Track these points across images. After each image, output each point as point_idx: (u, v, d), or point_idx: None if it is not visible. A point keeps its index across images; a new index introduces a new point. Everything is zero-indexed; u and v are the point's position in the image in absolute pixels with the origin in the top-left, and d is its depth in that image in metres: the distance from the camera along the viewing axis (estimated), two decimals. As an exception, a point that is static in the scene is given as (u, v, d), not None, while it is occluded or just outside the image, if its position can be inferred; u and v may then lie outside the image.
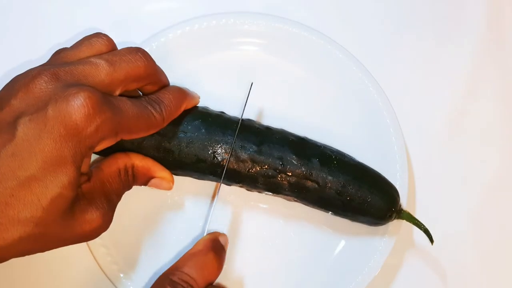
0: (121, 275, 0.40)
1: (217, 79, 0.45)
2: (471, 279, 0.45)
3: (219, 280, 0.37)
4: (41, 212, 0.27)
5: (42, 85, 0.29)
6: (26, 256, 0.42)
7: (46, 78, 0.29)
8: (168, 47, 0.45)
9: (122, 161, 0.35)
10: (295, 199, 0.40)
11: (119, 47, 0.35)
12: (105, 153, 0.36)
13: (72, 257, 0.42)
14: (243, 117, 0.40)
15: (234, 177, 0.38)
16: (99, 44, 0.33)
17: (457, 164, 0.47)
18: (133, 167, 0.36)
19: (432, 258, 0.45)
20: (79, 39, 0.34)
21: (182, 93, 0.37)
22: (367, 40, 0.50)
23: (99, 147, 0.31)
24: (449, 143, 0.48)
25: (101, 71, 0.31)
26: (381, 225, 0.41)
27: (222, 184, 0.39)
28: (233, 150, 0.37)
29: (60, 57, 0.32)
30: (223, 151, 0.37)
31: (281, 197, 0.41)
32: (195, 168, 0.38)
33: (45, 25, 0.48)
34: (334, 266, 0.42)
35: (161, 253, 0.42)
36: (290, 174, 0.38)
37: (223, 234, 0.38)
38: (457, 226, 0.46)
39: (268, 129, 0.40)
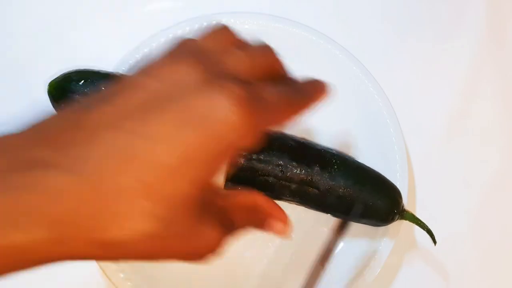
0: (121, 275, 0.40)
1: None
2: (471, 279, 0.45)
3: (217, 276, 0.37)
4: (166, 206, 0.23)
5: (187, 71, 0.25)
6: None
7: (192, 62, 0.25)
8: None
9: (251, 197, 0.31)
10: (297, 203, 0.40)
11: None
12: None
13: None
14: None
15: (235, 186, 0.38)
16: (226, 34, 0.30)
17: (457, 164, 0.47)
18: (260, 207, 0.31)
19: (432, 258, 0.45)
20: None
21: (320, 85, 0.33)
22: (367, 40, 0.50)
23: (239, 151, 0.26)
24: (449, 143, 0.48)
25: (241, 62, 0.27)
26: (384, 226, 0.41)
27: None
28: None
29: (194, 45, 0.28)
30: None
31: (283, 201, 0.41)
32: None
33: (43, 20, 0.48)
34: (334, 266, 0.42)
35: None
36: (290, 181, 0.38)
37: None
38: (457, 226, 0.46)
39: (267, 135, 0.40)
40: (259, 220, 0.31)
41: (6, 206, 0.21)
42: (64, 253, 0.23)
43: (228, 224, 0.28)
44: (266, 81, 0.28)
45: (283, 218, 0.32)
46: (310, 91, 0.31)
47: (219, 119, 0.24)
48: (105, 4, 0.50)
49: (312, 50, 0.46)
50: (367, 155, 0.44)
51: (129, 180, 0.23)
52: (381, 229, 0.42)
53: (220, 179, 0.30)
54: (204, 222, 0.26)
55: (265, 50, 0.30)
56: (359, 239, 0.42)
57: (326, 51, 0.46)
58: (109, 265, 0.40)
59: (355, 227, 0.42)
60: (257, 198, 0.31)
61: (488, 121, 0.49)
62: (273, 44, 0.47)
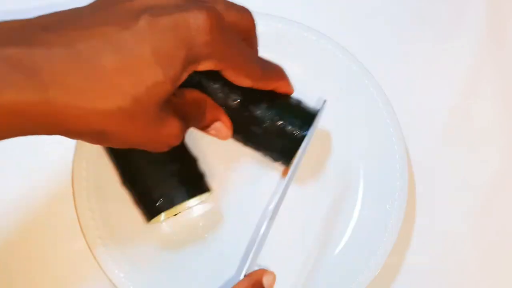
0: (121, 275, 0.40)
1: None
2: (471, 279, 0.45)
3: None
4: (144, 90, 0.28)
5: None
6: (27, 257, 0.42)
7: None
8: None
9: (197, 93, 0.37)
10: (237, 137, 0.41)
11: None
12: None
13: (72, 257, 0.42)
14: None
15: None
16: None
17: (457, 164, 0.47)
18: (206, 101, 0.37)
19: (432, 258, 0.45)
20: None
21: (284, 72, 0.38)
22: (367, 40, 0.50)
23: (203, 65, 0.31)
24: (449, 143, 0.48)
25: (218, 4, 0.32)
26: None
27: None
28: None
29: None
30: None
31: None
32: None
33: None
34: (334, 266, 0.42)
35: (162, 253, 0.42)
36: (228, 107, 0.39)
37: (269, 273, 0.33)
38: (457, 226, 0.46)
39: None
40: (206, 120, 0.38)
41: (4, 65, 0.25)
42: (52, 119, 0.27)
43: (185, 118, 0.34)
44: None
45: (228, 123, 0.39)
46: (272, 67, 0.37)
47: (193, 27, 0.29)
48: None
49: (312, 50, 0.46)
50: (367, 155, 0.44)
51: (115, 62, 0.27)
52: (381, 228, 0.42)
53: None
54: (168, 113, 0.32)
55: (242, 7, 0.35)
56: (359, 239, 0.42)
57: (326, 51, 0.46)
58: (109, 265, 0.40)
59: (355, 227, 0.43)
60: (207, 98, 0.37)
61: (488, 121, 0.49)
62: (272, 43, 0.47)
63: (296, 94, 0.46)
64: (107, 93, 0.28)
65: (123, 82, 0.28)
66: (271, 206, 0.35)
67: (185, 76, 0.31)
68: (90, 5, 0.30)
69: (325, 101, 0.41)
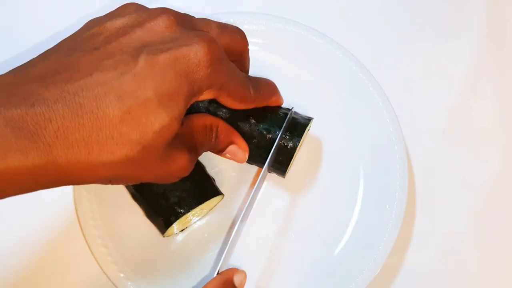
0: (121, 275, 0.40)
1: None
2: (471, 279, 0.45)
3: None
4: (151, 136, 0.28)
5: (168, 25, 0.30)
6: (28, 257, 0.42)
7: (172, 19, 0.30)
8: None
9: (209, 119, 0.36)
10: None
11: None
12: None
13: (73, 257, 0.42)
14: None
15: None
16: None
17: (457, 164, 0.47)
18: (218, 127, 0.37)
19: (432, 258, 0.45)
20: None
21: (275, 87, 0.39)
22: (367, 40, 0.50)
23: (204, 96, 0.32)
24: (449, 143, 0.48)
25: (213, 29, 0.33)
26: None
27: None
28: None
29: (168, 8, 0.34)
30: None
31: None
32: None
33: (42, 23, 0.48)
34: (334, 266, 0.42)
35: (162, 253, 0.42)
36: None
37: (240, 272, 0.34)
38: (457, 226, 0.46)
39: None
40: (220, 144, 0.38)
41: (6, 130, 0.24)
42: (58, 176, 0.27)
43: (192, 148, 0.34)
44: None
45: (244, 146, 0.39)
46: (264, 86, 0.37)
47: (194, 62, 0.29)
48: (105, 4, 0.50)
49: (312, 50, 0.46)
50: (367, 155, 0.44)
51: (118, 111, 0.27)
52: (381, 228, 0.42)
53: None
54: (176, 148, 0.32)
55: (235, 29, 0.35)
56: (359, 239, 0.42)
57: (326, 51, 0.46)
58: (110, 266, 0.40)
59: (355, 228, 0.43)
60: (220, 123, 0.37)
61: (488, 121, 0.49)
62: (273, 43, 0.47)
63: (297, 94, 0.46)
64: (113, 144, 0.27)
65: (129, 131, 0.27)
66: (244, 208, 0.35)
67: (187, 107, 0.31)
68: (84, 44, 0.29)
69: (311, 119, 0.41)
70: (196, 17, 0.34)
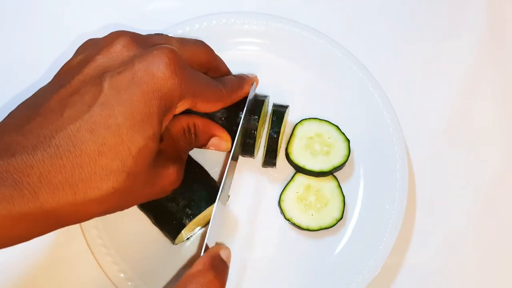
0: (122, 275, 0.40)
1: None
2: (471, 279, 0.45)
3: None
4: (132, 161, 0.28)
5: (125, 45, 0.30)
6: (29, 258, 0.42)
7: (128, 39, 0.31)
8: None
9: (185, 120, 0.36)
10: None
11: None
12: None
13: (73, 258, 0.42)
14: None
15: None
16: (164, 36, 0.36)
17: (457, 164, 0.47)
18: (195, 125, 0.37)
19: (432, 258, 0.45)
20: (84, 41, 0.34)
21: (241, 77, 0.39)
22: (368, 40, 0.50)
23: (179, 108, 0.32)
24: (449, 143, 0.48)
25: (173, 43, 0.33)
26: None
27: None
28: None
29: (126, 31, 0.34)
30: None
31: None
32: None
33: (44, 23, 0.48)
34: (334, 266, 0.42)
35: (162, 252, 0.42)
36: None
37: (225, 248, 0.35)
38: (457, 226, 0.46)
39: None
40: (200, 140, 0.38)
41: None
42: (49, 220, 0.27)
43: (177, 157, 0.34)
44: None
45: (225, 135, 0.39)
46: (231, 83, 0.37)
47: (158, 75, 0.29)
48: (105, 4, 0.50)
49: (312, 50, 0.46)
50: (367, 155, 0.44)
51: (95, 146, 0.27)
52: (381, 228, 0.42)
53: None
54: (162, 164, 0.32)
55: (196, 42, 0.36)
56: (359, 239, 0.42)
57: (326, 51, 0.46)
58: (110, 266, 0.40)
59: (355, 227, 0.43)
60: (196, 120, 0.37)
61: (488, 121, 0.49)
62: (273, 43, 0.47)
63: (297, 94, 0.46)
64: (97, 179, 0.27)
65: (109, 162, 0.27)
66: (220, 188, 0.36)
67: (165, 125, 0.31)
68: (52, 85, 0.30)
69: (267, 96, 0.42)
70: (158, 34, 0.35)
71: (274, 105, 0.43)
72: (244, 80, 0.39)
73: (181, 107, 0.32)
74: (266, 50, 0.47)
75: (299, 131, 0.44)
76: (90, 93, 0.28)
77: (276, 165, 0.43)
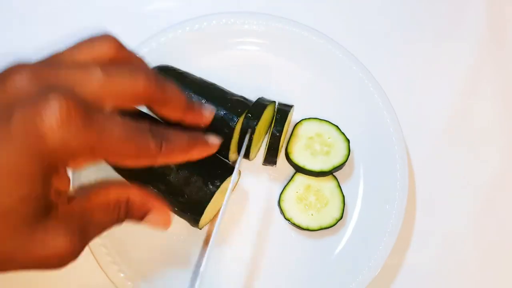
0: (122, 275, 0.40)
1: (217, 78, 0.45)
2: (471, 279, 0.45)
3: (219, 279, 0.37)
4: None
5: (18, 83, 0.25)
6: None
7: (25, 76, 0.25)
8: (169, 47, 0.45)
9: (114, 193, 0.30)
10: None
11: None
12: None
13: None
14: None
15: None
16: (101, 48, 0.28)
17: (457, 164, 0.47)
18: (127, 201, 0.30)
19: (432, 258, 0.45)
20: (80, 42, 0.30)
21: (195, 140, 0.31)
22: (368, 40, 0.50)
23: (74, 165, 0.27)
24: (449, 143, 0.48)
25: (93, 80, 0.26)
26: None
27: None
28: None
29: (54, 56, 0.28)
30: None
31: None
32: None
33: (45, 21, 0.48)
34: (334, 266, 0.42)
35: (162, 252, 0.42)
36: None
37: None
38: (457, 226, 0.46)
39: None
40: (134, 216, 0.31)
41: None
42: None
43: (82, 230, 0.28)
44: (123, 104, 0.27)
45: (164, 210, 0.31)
46: (175, 139, 0.29)
47: (39, 129, 0.23)
48: (105, 4, 0.50)
49: (312, 50, 0.46)
50: (367, 155, 0.44)
51: None
52: (381, 228, 0.42)
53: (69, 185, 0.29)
54: (49, 232, 0.26)
55: (133, 72, 0.28)
56: (359, 239, 0.42)
57: (326, 51, 0.46)
58: (110, 266, 0.40)
59: (355, 227, 0.43)
60: (131, 193, 0.30)
61: (488, 121, 0.49)
62: (273, 44, 0.47)
63: (297, 94, 0.46)
64: None
65: None
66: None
67: (56, 185, 0.26)
68: None
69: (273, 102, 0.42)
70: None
71: (279, 104, 0.43)
72: (197, 143, 0.31)
73: (76, 164, 0.27)
74: (266, 50, 0.47)
75: (299, 131, 0.44)
76: None
77: (277, 165, 0.43)
